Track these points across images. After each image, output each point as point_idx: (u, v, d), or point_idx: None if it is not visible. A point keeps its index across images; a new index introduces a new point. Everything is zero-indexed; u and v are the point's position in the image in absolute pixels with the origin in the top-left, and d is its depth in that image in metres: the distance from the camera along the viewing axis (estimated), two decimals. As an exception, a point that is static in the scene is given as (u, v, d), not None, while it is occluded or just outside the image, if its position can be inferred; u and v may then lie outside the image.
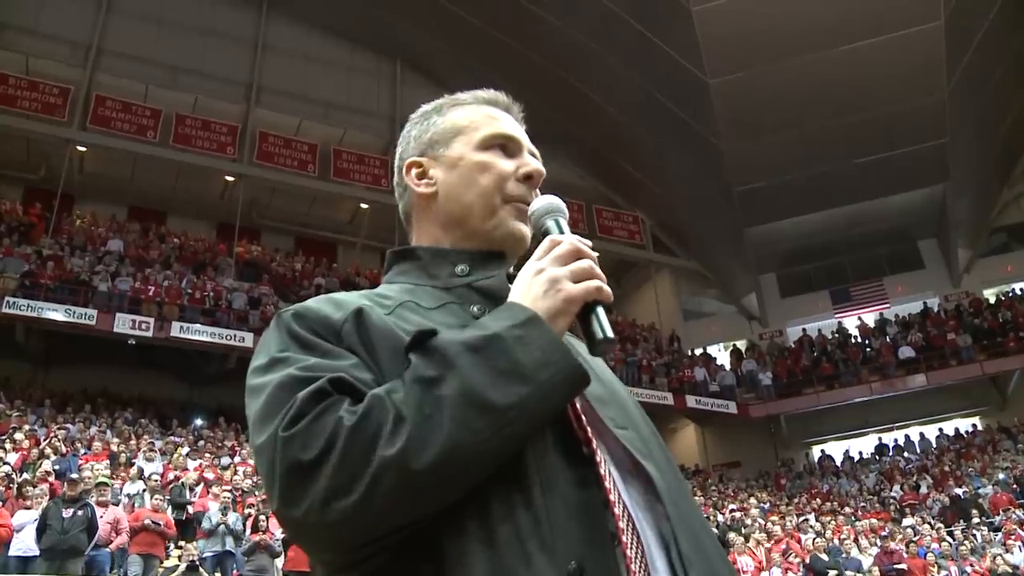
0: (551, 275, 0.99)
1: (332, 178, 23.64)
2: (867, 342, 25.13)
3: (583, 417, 1.02)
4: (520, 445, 0.92)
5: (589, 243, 1.04)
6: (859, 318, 26.13)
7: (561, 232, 1.08)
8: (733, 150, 22.69)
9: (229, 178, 23.17)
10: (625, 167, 26.03)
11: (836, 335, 25.83)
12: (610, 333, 0.98)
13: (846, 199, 23.89)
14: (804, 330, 26.46)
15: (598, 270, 1.01)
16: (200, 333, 18.15)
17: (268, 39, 24.34)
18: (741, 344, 27.38)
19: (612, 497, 0.96)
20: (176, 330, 17.82)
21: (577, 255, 1.01)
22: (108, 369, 19.32)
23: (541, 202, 1.14)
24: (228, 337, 18.36)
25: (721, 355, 27.72)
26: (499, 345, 0.92)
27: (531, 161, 1.23)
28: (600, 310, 0.99)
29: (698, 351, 26.94)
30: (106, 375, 19.40)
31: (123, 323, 17.32)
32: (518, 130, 1.27)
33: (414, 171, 1.26)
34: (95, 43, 21.86)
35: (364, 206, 24.45)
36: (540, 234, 1.10)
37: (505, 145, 1.24)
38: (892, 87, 20.50)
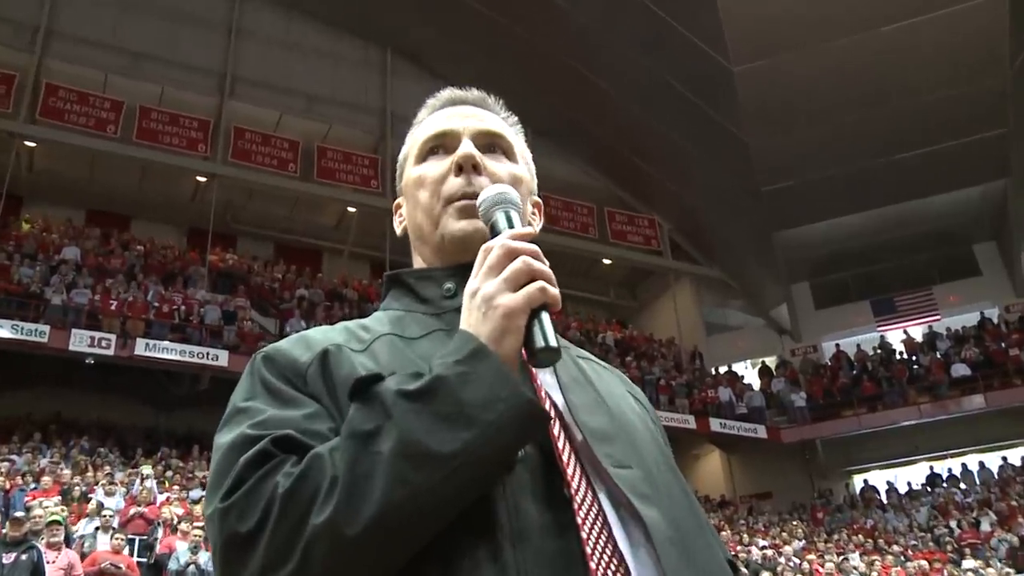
0: (485, 292, 0.99)
1: (316, 178, 23.59)
2: (915, 358, 24.84)
3: (566, 457, 1.02)
4: (473, 495, 0.92)
5: (529, 230, 1.04)
6: (905, 331, 25.85)
7: (510, 225, 1.07)
8: (760, 145, 22.65)
9: (201, 178, 23.06)
10: (640, 165, 26.08)
11: (879, 351, 25.56)
12: (552, 341, 0.96)
13: (889, 198, 23.69)
14: (838, 346, 26.25)
15: (537, 264, 0.99)
16: (168, 351, 18.03)
17: (243, 23, 24.25)
18: (771, 361, 27.32)
19: (588, 548, 0.95)
20: (141, 348, 17.67)
21: (511, 256, 1.00)
22: (62, 392, 19.13)
23: (487, 193, 1.12)
24: (200, 355, 18.23)
25: (748, 373, 27.69)
26: (441, 387, 0.93)
27: (461, 148, 1.23)
28: (544, 316, 0.97)
29: (723, 369, 26.95)
30: (60, 399, 19.16)
31: (80, 340, 17.11)
32: (458, 119, 1.28)
33: (397, 212, 1.36)
34: (44, 23, 21.64)
35: (351, 210, 24.44)
36: (488, 229, 1.10)
37: (439, 146, 1.27)
38: (942, 71, 20.32)
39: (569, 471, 1.01)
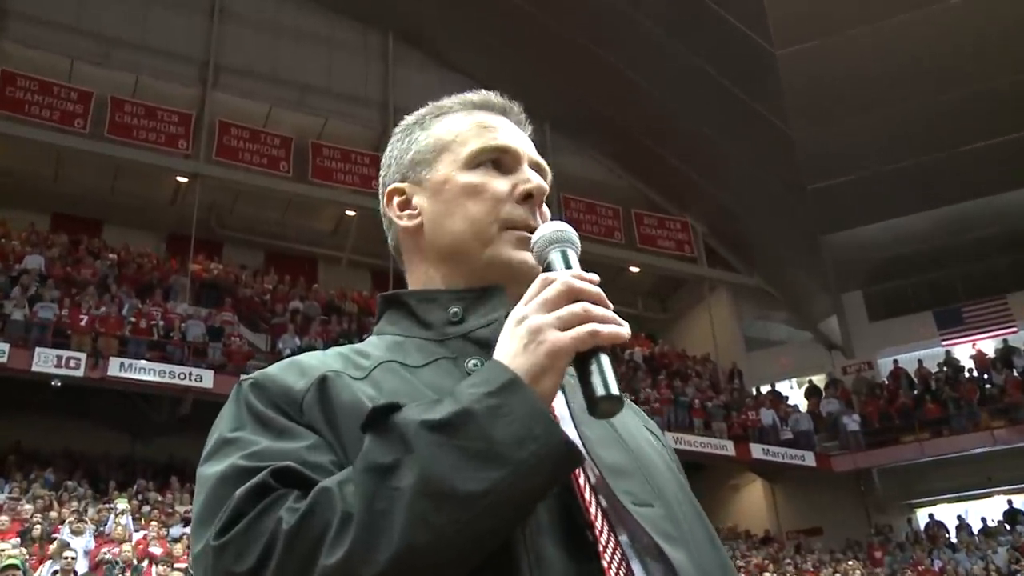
0: (532, 324, 1.00)
1: (310, 179, 23.61)
2: (986, 376, 24.63)
3: (588, 497, 1.05)
4: (498, 540, 0.94)
5: (594, 277, 1.05)
6: (974, 346, 25.75)
7: (567, 266, 1.10)
8: (806, 138, 22.68)
9: (181, 179, 23.02)
10: (671, 162, 26.14)
11: (944, 368, 25.34)
12: (613, 389, 0.97)
13: (953, 196, 23.52)
14: (896, 362, 26.03)
15: (597, 310, 1.01)
16: (146, 371, 17.97)
17: (228, 5, 24.36)
18: (819, 380, 27.16)
19: None
20: (115, 368, 17.61)
21: (571, 296, 1.01)
22: (24, 419, 18.93)
23: (546, 230, 1.15)
24: (181, 376, 18.18)
25: (794, 393, 27.58)
26: (469, 421, 0.94)
27: (531, 176, 1.27)
28: (603, 359, 0.99)
29: (765, 388, 26.92)
30: (21, 426, 18.94)
31: (45, 360, 16.99)
32: (516, 138, 1.32)
33: (396, 200, 1.33)
34: None
35: (350, 213, 24.47)
36: (543, 269, 1.12)
37: (499, 160, 1.28)
38: (1015, 52, 20.26)
39: (592, 512, 1.03)
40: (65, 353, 17.30)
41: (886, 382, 25.95)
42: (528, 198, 1.25)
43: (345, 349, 1.20)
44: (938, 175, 22.81)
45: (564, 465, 0.96)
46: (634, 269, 27.34)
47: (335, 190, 23.79)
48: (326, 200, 24.28)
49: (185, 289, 21.22)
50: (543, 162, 1.32)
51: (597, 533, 1.01)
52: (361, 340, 1.31)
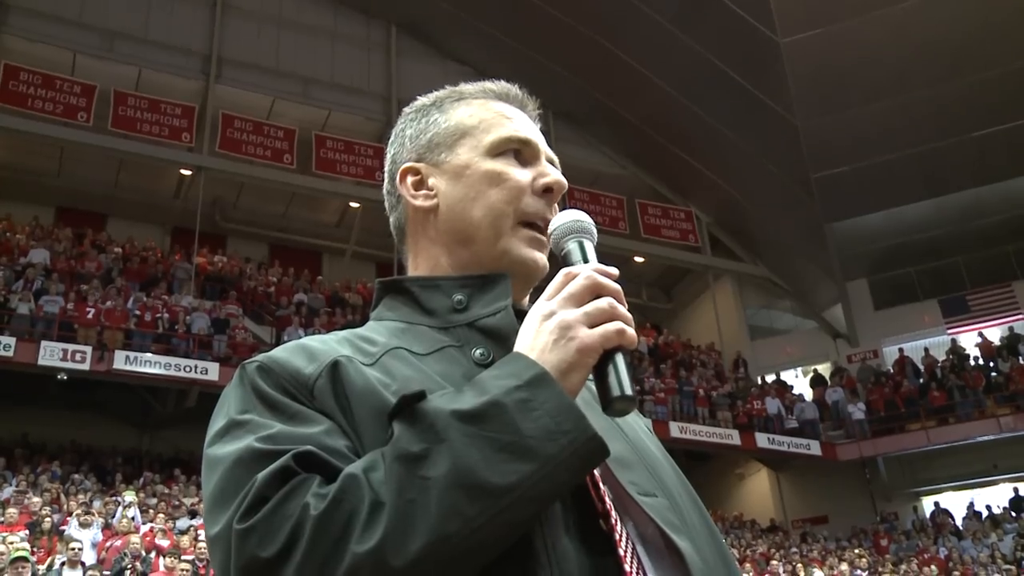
0: (562, 320, 1.01)
1: (314, 171, 23.44)
2: (992, 364, 24.55)
3: (601, 486, 1.05)
4: (522, 531, 0.95)
5: (614, 271, 1.07)
6: (980, 334, 25.65)
7: (585, 258, 1.11)
8: (811, 127, 22.65)
9: (185, 172, 22.95)
10: (676, 152, 26.11)
11: (950, 356, 25.36)
12: (628, 390, 1.00)
13: (960, 183, 23.51)
14: (901, 351, 26.05)
15: (621, 308, 1.03)
16: (151, 364, 18.04)
17: None
18: (824, 368, 27.15)
19: None
20: (120, 361, 17.64)
21: (596, 291, 1.03)
22: (30, 412, 19.01)
23: (563, 219, 1.17)
24: (187, 369, 18.23)
25: (799, 382, 27.67)
26: (499, 413, 0.95)
27: (551, 171, 1.29)
28: (620, 359, 1.01)
29: (770, 378, 26.91)
30: (27, 420, 19.05)
31: (51, 354, 17.03)
32: (535, 132, 1.33)
33: (410, 179, 1.32)
34: None
35: (354, 205, 24.42)
36: (560, 258, 1.15)
37: (520, 151, 1.29)
38: (1021, 36, 20.24)
39: (606, 502, 1.04)
40: (71, 347, 17.36)
41: (891, 370, 25.95)
42: (548, 191, 1.26)
43: (347, 334, 1.19)
44: (943, 163, 22.80)
45: (592, 460, 0.97)
46: (638, 259, 27.22)
47: (339, 182, 23.71)
48: (330, 192, 24.18)
49: (189, 282, 21.22)
50: (556, 160, 1.33)
51: (613, 523, 1.02)
52: (362, 328, 1.29)
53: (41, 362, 16.94)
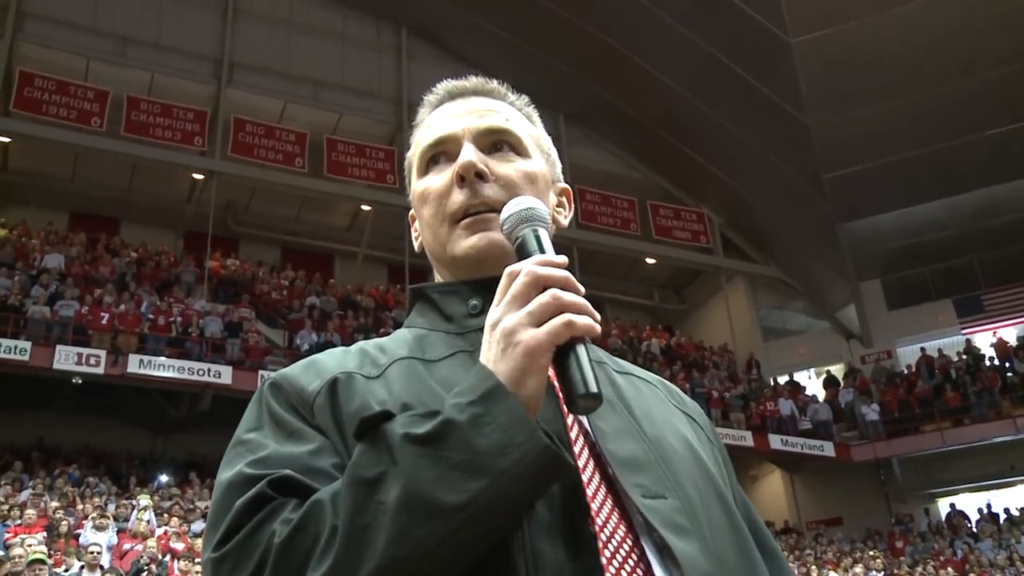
0: (505, 326, 0.99)
1: (325, 174, 23.51)
2: (1008, 365, 24.40)
3: (592, 491, 1.03)
4: (487, 545, 0.94)
5: (560, 259, 1.03)
6: (995, 334, 25.56)
7: (540, 247, 1.08)
8: (823, 126, 22.66)
9: (197, 176, 23.03)
10: (687, 153, 26.11)
11: (964, 356, 25.27)
12: (592, 386, 0.95)
13: (974, 183, 23.41)
14: (923, 350, 25.85)
15: (567, 296, 0.98)
16: (165, 368, 18.04)
17: (241, 1, 24.33)
18: (837, 369, 27.16)
19: None
20: (135, 365, 17.66)
21: (539, 285, 1.00)
22: (46, 416, 19.05)
23: (513, 208, 1.13)
24: (200, 372, 18.19)
25: (812, 383, 27.64)
26: (451, 431, 0.94)
27: (463, 156, 1.24)
28: (581, 352, 0.97)
29: (783, 379, 26.84)
30: (43, 424, 19.10)
31: (66, 358, 17.01)
32: (456, 120, 1.29)
33: (413, 226, 1.39)
34: (14, 4, 21.61)
35: (366, 208, 24.42)
36: (515, 249, 1.12)
37: (439, 154, 1.29)
38: None
39: (595, 506, 1.01)
40: (85, 351, 17.28)
41: (905, 371, 25.82)
42: (461, 181, 1.23)
43: (368, 345, 1.21)
44: (957, 162, 22.69)
45: (548, 471, 0.95)
46: (650, 260, 27.26)
47: (350, 185, 23.71)
48: (341, 195, 24.19)
49: (202, 286, 21.24)
50: (497, 123, 1.28)
51: (599, 527, 1.00)
52: (379, 334, 1.36)
53: (56, 366, 16.93)
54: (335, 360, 1.17)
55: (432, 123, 1.32)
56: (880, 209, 24.29)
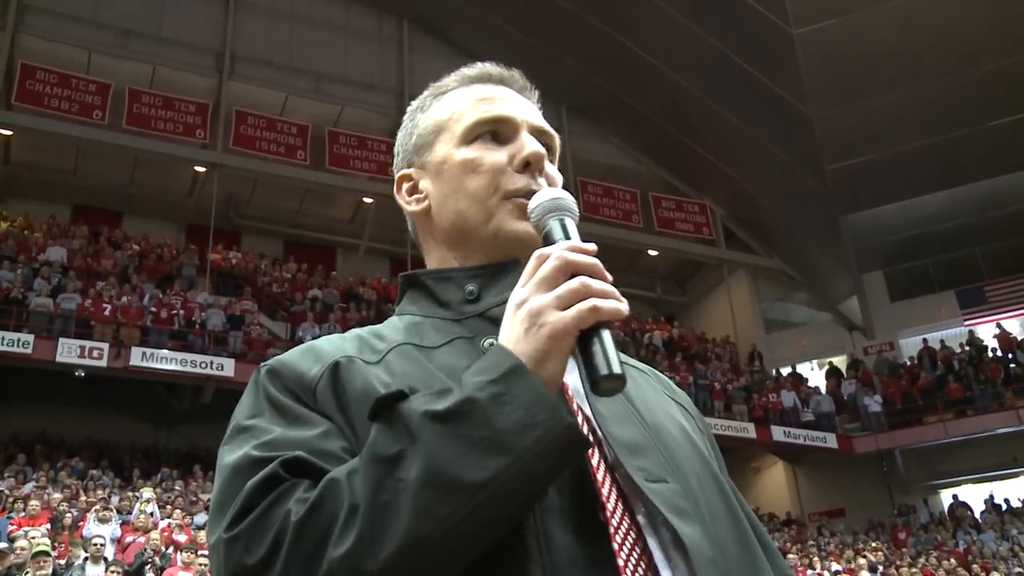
0: (532, 307, 0.99)
1: (327, 167, 23.55)
2: (1011, 356, 24.29)
3: (601, 476, 1.04)
4: (508, 526, 0.95)
5: (590, 247, 1.04)
6: (998, 325, 25.49)
7: (566, 236, 1.09)
8: (825, 118, 22.58)
9: (199, 168, 23.02)
10: (689, 145, 26.02)
11: (967, 347, 25.12)
12: (616, 368, 0.96)
13: (977, 174, 23.34)
14: (925, 341, 25.82)
15: (595, 283, 0.99)
16: (167, 361, 18.09)
17: None
18: (840, 361, 27.13)
19: None
20: (137, 358, 17.72)
21: (568, 270, 1.00)
22: (49, 409, 19.13)
23: (541, 198, 1.14)
24: (203, 365, 18.30)
25: (815, 375, 27.50)
26: (472, 410, 0.94)
27: (528, 143, 1.26)
28: (605, 336, 0.98)
29: (785, 370, 26.83)
30: (46, 416, 19.17)
31: (68, 351, 17.09)
32: (515, 107, 1.31)
33: (405, 186, 1.36)
34: None
35: (368, 200, 24.43)
36: (541, 238, 1.12)
37: (496, 131, 1.28)
38: None
39: (604, 491, 1.02)
40: (88, 343, 17.39)
41: (908, 363, 25.78)
42: (527, 166, 1.24)
43: (364, 331, 1.21)
44: (959, 153, 22.63)
45: (570, 451, 0.95)
46: (653, 252, 27.26)
47: (352, 177, 23.75)
48: (343, 188, 24.21)
49: (204, 278, 21.27)
50: (547, 127, 1.31)
51: (609, 514, 1.00)
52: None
53: (59, 359, 17.00)
54: (333, 345, 1.16)
55: (479, 98, 1.31)
56: (882, 200, 24.25)
